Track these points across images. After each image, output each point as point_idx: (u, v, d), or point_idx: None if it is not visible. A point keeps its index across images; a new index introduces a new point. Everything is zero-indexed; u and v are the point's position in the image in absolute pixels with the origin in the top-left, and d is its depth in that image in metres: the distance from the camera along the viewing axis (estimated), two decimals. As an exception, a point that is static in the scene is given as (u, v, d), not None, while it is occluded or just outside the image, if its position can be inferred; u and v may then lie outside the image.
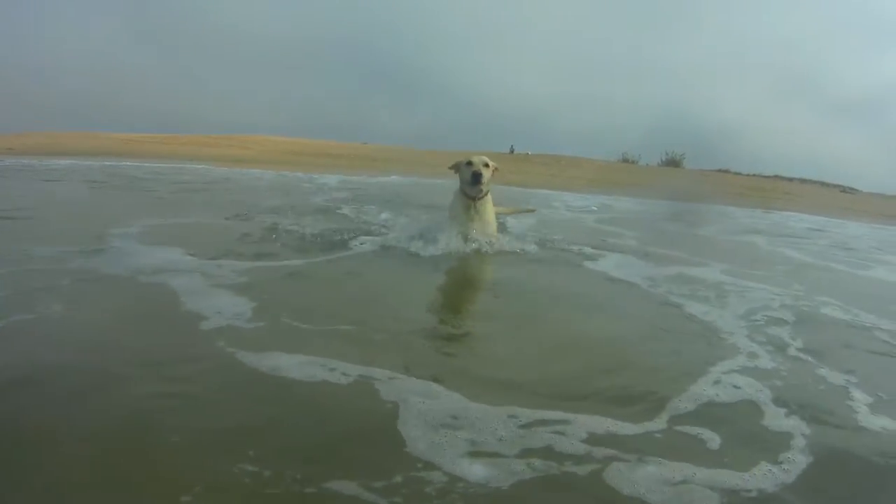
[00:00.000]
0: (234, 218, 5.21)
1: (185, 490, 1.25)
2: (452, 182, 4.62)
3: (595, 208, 10.87)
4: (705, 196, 17.47)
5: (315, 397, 1.71)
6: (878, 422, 1.87)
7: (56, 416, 1.55)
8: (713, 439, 1.64)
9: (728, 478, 1.45)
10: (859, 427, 1.83)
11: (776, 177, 25.66)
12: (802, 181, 25.63)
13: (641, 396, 1.90)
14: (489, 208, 4.48)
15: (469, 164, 4.34)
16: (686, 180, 23.06)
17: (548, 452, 1.50)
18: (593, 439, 1.58)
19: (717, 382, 2.05)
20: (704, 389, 1.98)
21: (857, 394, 2.09)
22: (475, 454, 1.46)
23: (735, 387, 2.03)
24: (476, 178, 4.24)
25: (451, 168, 4.55)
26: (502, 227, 5.01)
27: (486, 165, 4.35)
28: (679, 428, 1.70)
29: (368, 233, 4.72)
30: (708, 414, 1.81)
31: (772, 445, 1.64)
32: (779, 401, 1.95)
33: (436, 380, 1.86)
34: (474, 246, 4.21)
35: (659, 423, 1.71)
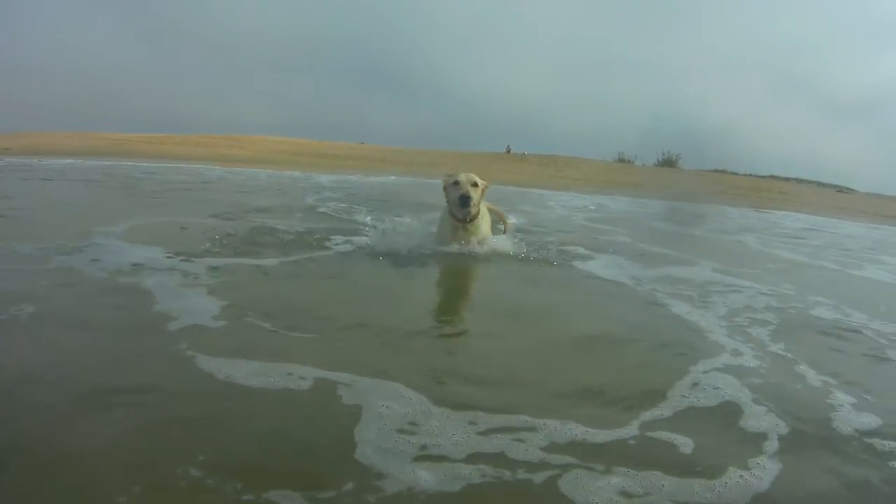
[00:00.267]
0: (221, 217, 5.20)
1: (122, 490, 1.22)
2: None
3: (591, 207, 10.86)
4: (701, 196, 17.49)
5: (272, 404, 1.65)
6: (859, 425, 1.81)
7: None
8: (686, 444, 1.58)
9: (697, 488, 1.38)
10: (839, 431, 1.77)
11: (772, 177, 25.72)
12: (798, 181, 25.71)
13: (615, 401, 1.84)
14: (481, 225, 4.09)
15: (456, 184, 3.92)
16: (682, 180, 23.09)
17: (502, 459, 1.44)
18: (555, 446, 1.51)
19: (695, 385, 1.99)
20: (682, 393, 1.92)
21: (841, 395, 2.04)
22: (425, 460, 1.40)
23: (714, 388, 1.97)
24: (464, 201, 3.82)
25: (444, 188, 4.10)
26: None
27: (475, 185, 3.93)
28: (651, 434, 1.63)
29: (351, 233, 4.67)
30: (683, 418, 1.74)
31: (746, 451, 1.58)
32: (758, 403, 1.89)
33: (402, 383, 1.80)
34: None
35: (630, 429, 1.64)
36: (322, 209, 6.56)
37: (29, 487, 1.26)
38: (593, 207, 10.97)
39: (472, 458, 1.43)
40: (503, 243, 4.28)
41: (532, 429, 1.59)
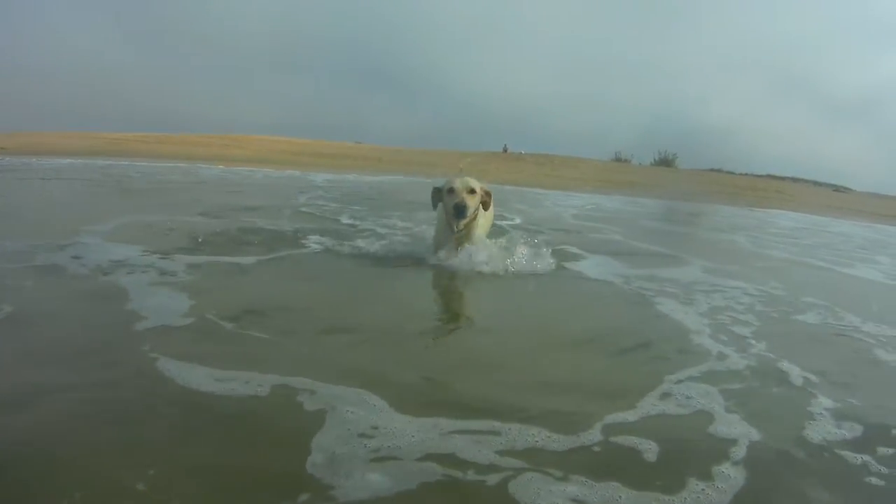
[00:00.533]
0: (209, 216, 5.22)
1: (66, 496, 1.20)
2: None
3: (585, 207, 10.88)
4: (697, 195, 17.52)
5: (231, 410, 1.60)
6: (835, 436, 1.72)
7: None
8: (650, 452, 1.51)
9: (655, 503, 1.31)
10: (813, 442, 1.68)
11: (769, 176, 25.76)
12: (795, 180, 25.75)
13: (585, 403, 1.78)
14: (480, 225, 3.81)
15: (451, 191, 3.60)
16: (678, 180, 23.11)
17: (455, 461, 1.40)
18: (514, 451, 1.46)
19: (668, 390, 1.92)
20: (654, 397, 1.85)
21: (822, 401, 1.96)
22: (379, 466, 1.36)
23: (686, 396, 1.89)
24: (460, 211, 3.52)
25: (433, 202, 3.81)
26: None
27: (472, 192, 3.61)
28: (615, 439, 1.56)
29: (335, 233, 4.64)
30: (652, 424, 1.67)
31: (712, 461, 1.50)
32: (732, 409, 1.81)
33: (369, 389, 1.74)
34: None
35: (593, 434, 1.57)
36: (311, 209, 6.55)
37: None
38: (588, 207, 10.98)
39: (425, 461, 1.39)
40: (495, 256, 3.81)
41: (495, 432, 1.55)
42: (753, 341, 2.57)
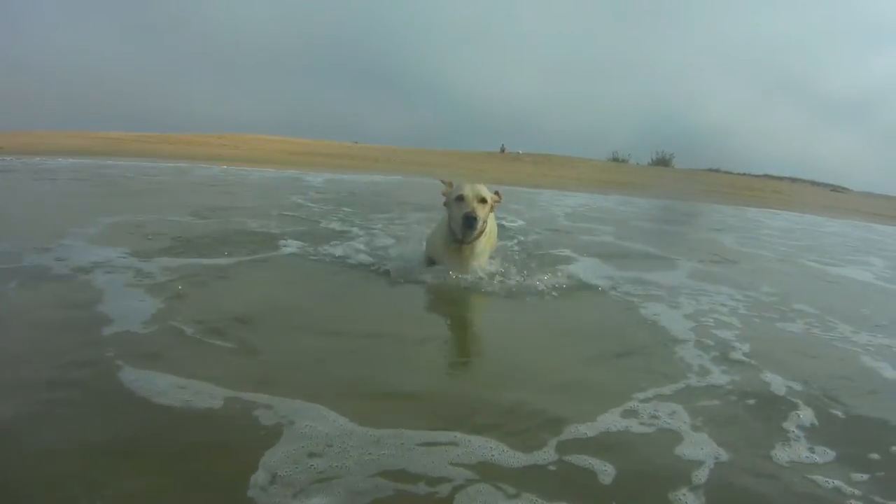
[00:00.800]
0: (198, 216, 5.22)
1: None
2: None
3: (579, 207, 10.90)
4: (693, 195, 17.53)
5: (187, 424, 1.55)
6: (807, 458, 1.62)
7: None
8: (606, 473, 1.43)
9: None
10: (781, 464, 1.58)
11: (766, 176, 25.77)
12: (793, 180, 25.75)
13: (548, 419, 1.71)
14: (482, 247, 3.38)
15: (460, 199, 3.21)
16: (675, 179, 23.13)
17: (409, 477, 1.35)
18: (469, 465, 1.40)
19: (635, 406, 1.83)
20: (617, 413, 1.77)
21: (800, 415, 1.88)
22: (324, 486, 1.30)
23: (653, 413, 1.78)
24: (470, 223, 3.12)
25: (444, 201, 3.40)
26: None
27: (483, 201, 3.24)
28: (571, 458, 1.48)
29: (319, 235, 4.60)
30: (614, 441, 1.60)
31: (671, 484, 1.42)
32: (700, 428, 1.71)
33: (331, 403, 1.67)
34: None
35: (547, 453, 1.50)
36: (301, 211, 6.56)
37: None
38: (582, 207, 10.99)
39: (377, 477, 1.35)
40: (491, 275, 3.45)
41: (455, 444, 1.50)
42: (735, 351, 2.49)
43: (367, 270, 3.55)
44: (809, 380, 2.21)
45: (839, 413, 1.95)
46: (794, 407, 1.95)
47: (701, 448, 1.60)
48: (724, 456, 1.58)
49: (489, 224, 3.42)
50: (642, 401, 1.89)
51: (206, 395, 1.70)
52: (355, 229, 5.13)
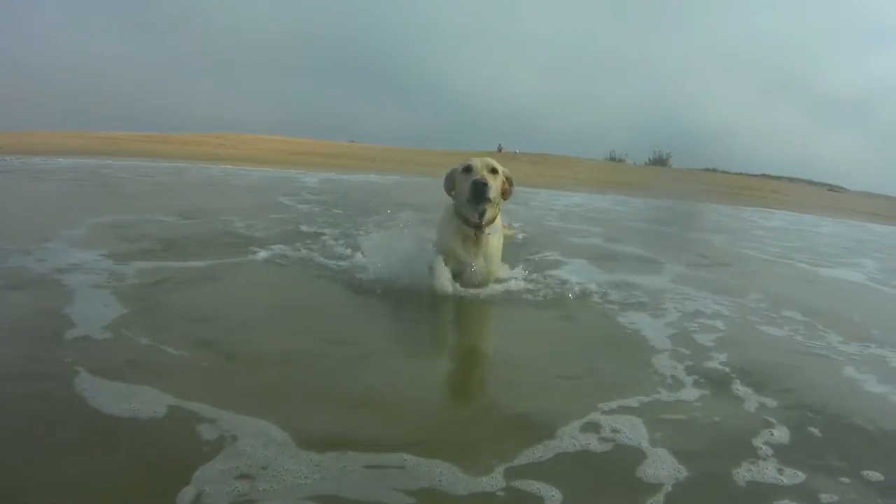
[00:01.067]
0: (187, 217, 5.22)
1: None
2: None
3: (573, 207, 10.88)
4: (690, 194, 17.51)
5: (130, 435, 1.51)
6: (773, 480, 1.52)
7: None
8: (552, 499, 1.35)
9: None
10: (742, 483, 1.50)
11: (764, 175, 25.74)
12: (790, 180, 25.70)
13: (504, 436, 1.63)
14: (496, 241, 3.06)
15: (468, 170, 2.87)
16: (673, 179, 23.10)
17: (336, 502, 1.30)
18: (410, 491, 1.33)
19: (597, 419, 1.75)
20: (577, 428, 1.68)
21: (773, 434, 1.78)
22: None
23: (613, 429, 1.69)
24: (480, 188, 2.75)
25: (446, 188, 3.09)
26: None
27: (494, 171, 2.89)
28: (517, 483, 1.40)
29: (304, 237, 4.56)
30: (571, 460, 1.52)
31: None
32: (661, 443, 1.63)
33: (279, 420, 1.59)
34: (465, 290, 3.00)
35: (495, 478, 1.41)
36: (294, 211, 6.54)
37: None
38: (578, 207, 10.97)
39: (306, 502, 1.29)
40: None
41: (401, 467, 1.43)
42: (712, 360, 2.40)
43: (338, 277, 3.39)
44: (787, 393, 2.11)
45: (815, 431, 1.84)
46: (767, 424, 1.84)
47: (661, 468, 1.51)
48: (684, 476, 1.49)
49: (497, 220, 3.08)
50: (605, 412, 1.81)
51: (154, 404, 1.65)
52: (333, 230, 5.06)
